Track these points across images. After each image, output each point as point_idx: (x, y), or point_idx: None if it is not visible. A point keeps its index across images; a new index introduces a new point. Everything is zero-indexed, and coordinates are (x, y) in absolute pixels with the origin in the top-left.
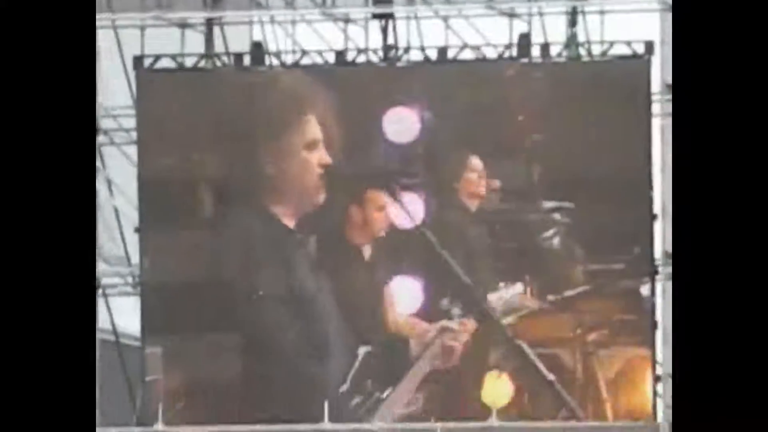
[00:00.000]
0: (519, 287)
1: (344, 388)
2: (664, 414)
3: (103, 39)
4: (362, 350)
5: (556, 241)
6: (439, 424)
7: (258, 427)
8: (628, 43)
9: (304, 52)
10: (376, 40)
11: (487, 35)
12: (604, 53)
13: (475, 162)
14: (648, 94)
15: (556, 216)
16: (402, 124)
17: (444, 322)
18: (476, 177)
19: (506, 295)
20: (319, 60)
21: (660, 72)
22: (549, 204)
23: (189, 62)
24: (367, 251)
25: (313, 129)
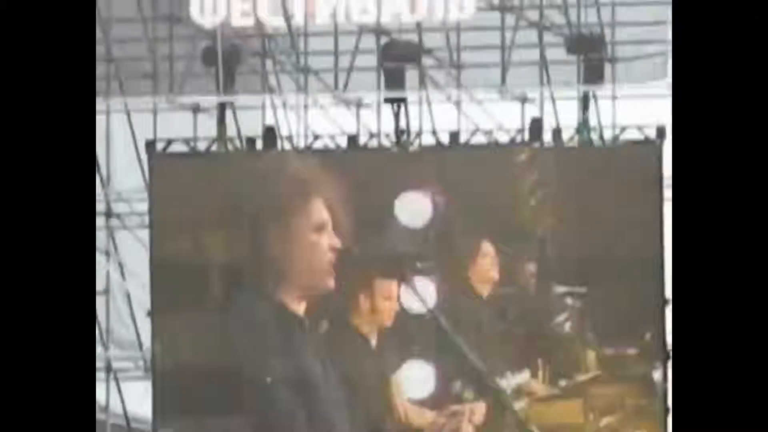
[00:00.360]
0: (526, 374)
1: None
2: None
3: (116, 123)
4: None
5: (567, 325)
6: None
7: None
8: (640, 128)
9: (317, 137)
10: (388, 124)
11: (500, 120)
12: (615, 138)
13: (487, 247)
14: (660, 177)
15: (568, 300)
16: (414, 207)
17: (455, 407)
18: (488, 262)
19: (515, 380)
20: (331, 144)
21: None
22: (561, 289)
23: (201, 146)
24: (374, 339)
25: (320, 212)
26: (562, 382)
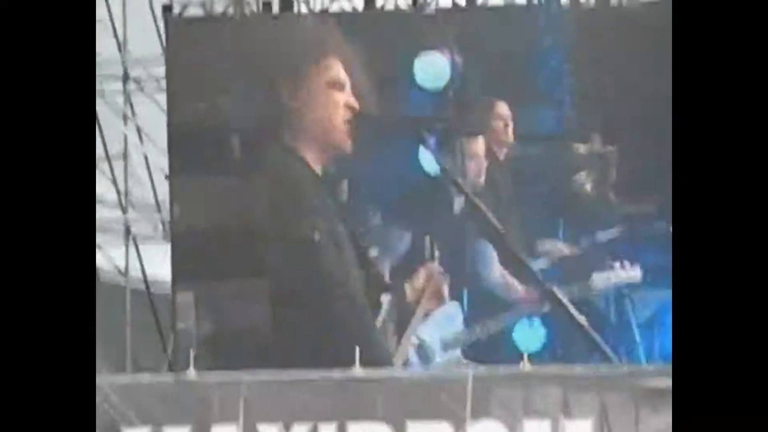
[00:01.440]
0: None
1: (373, 336)
2: None
3: None
4: (385, 298)
5: (588, 185)
6: (471, 370)
7: (289, 372)
8: None
9: None
10: None
11: None
12: None
13: (503, 108)
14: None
15: (587, 160)
16: (433, 68)
17: None
18: (502, 125)
19: (535, 240)
20: (347, 6)
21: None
22: (581, 148)
23: (218, 9)
24: None
25: (337, 70)
26: (584, 241)
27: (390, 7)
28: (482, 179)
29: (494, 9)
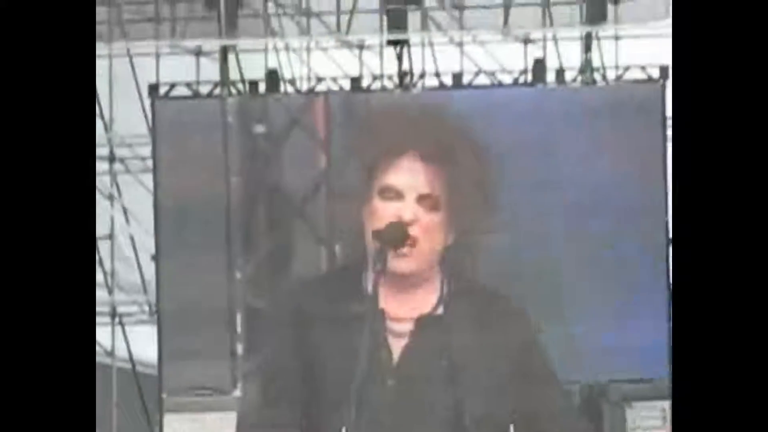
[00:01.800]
0: None
1: None
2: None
3: (118, 67)
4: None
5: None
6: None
7: None
8: (643, 68)
9: (320, 79)
10: (391, 67)
11: (502, 61)
12: (618, 78)
13: None
14: (663, 117)
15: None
16: None
17: None
18: None
19: None
20: (334, 86)
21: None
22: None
23: (204, 90)
24: None
25: None
26: None
27: (377, 86)
28: None
29: (480, 88)
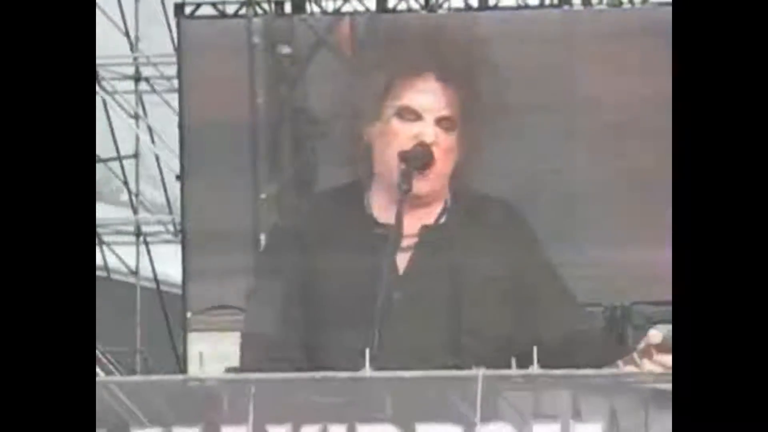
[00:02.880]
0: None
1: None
2: None
3: None
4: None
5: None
6: (481, 371)
7: (297, 374)
8: None
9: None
10: None
11: None
12: (644, 1)
13: None
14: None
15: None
16: None
17: None
18: None
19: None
20: (360, 6)
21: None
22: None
23: (230, 9)
24: None
25: None
26: None
27: (402, 7)
28: None
29: (506, 9)
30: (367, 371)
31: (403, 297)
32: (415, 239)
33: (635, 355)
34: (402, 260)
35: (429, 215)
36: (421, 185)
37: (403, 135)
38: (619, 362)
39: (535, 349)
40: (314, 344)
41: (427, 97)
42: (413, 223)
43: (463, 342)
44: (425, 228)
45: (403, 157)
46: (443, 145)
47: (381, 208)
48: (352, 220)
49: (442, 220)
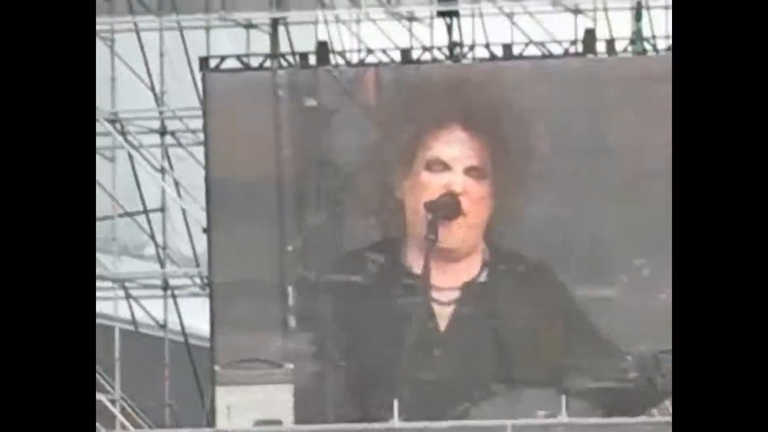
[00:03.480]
0: None
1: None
2: None
3: (169, 40)
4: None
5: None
6: (510, 422)
7: (326, 426)
8: None
9: (370, 51)
10: (441, 38)
11: (552, 32)
12: (669, 48)
13: None
14: None
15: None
16: None
17: None
18: None
19: None
20: (384, 58)
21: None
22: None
23: (254, 62)
24: None
25: None
26: None
27: (427, 58)
28: None
29: (530, 59)
30: (396, 422)
31: (443, 353)
32: (457, 294)
33: (668, 403)
34: (443, 315)
35: (469, 271)
36: (450, 237)
37: (432, 186)
38: (654, 411)
39: (563, 398)
40: (363, 398)
41: (455, 147)
42: (453, 278)
43: (518, 392)
44: (466, 285)
45: (430, 207)
46: (473, 194)
47: (415, 261)
48: (389, 273)
49: (483, 277)
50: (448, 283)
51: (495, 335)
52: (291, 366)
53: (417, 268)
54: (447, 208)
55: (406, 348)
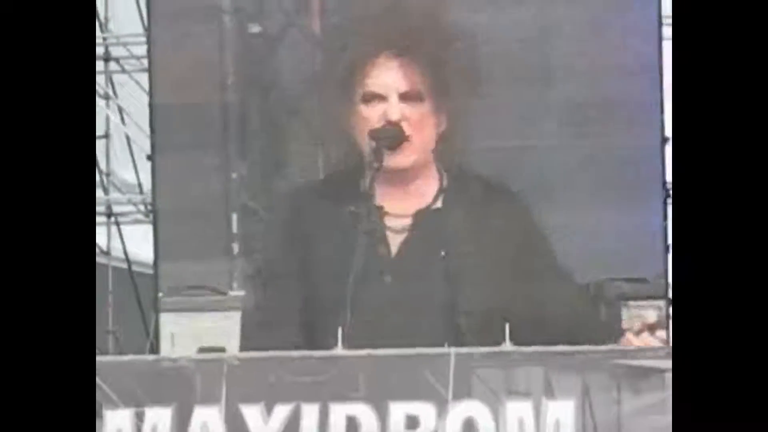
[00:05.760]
0: None
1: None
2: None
3: None
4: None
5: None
6: (453, 349)
7: (270, 353)
8: None
9: None
10: None
11: None
12: None
13: None
14: (659, 16)
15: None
16: None
17: None
18: None
19: None
20: None
21: None
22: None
23: None
24: None
25: None
26: None
27: None
28: None
29: None
30: (339, 350)
31: (394, 280)
32: (409, 221)
33: (630, 335)
34: (395, 242)
35: (424, 197)
36: (395, 159)
37: (372, 118)
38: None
39: (507, 326)
40: (311, 325)
41: (387, 75)
42: (407, 206)
43: (460, 323)
44: (419, 212)
45: (373, 135)
46: (413, 118)
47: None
48: (349, 202)
49: (438, 203)
50: (402, 211)
51: (444, 262)
52: (236, 293)
53: (376, 198)
54: (389, 136)
55: (353, 274)
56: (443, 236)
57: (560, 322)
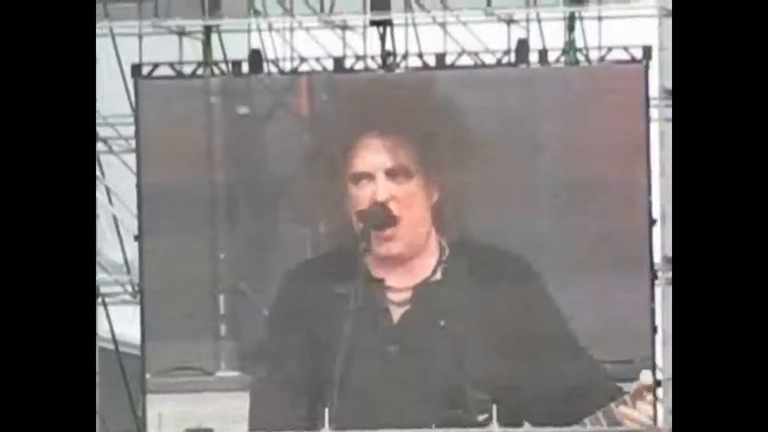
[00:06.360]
0: None
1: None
2: (664, 419)
3: (101, 47)
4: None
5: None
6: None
7: None
8: (626, 49)
9: (303, 59)
10: (374, 47)
11: (486, 41)
12: (602, 59)
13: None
14: (646, 98)
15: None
16: None
17: None
18: None
19: None
20: (317, 67)
21: (659, 77)
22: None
23: (187, 70)
24: None
25: None
26: None
27: (360, 66)
28: None
29: (463, 68)
30: (326, 431)
31: (398, 350)
32: (409, 294)
33: (627, 398)
34: (396, 314)
35: (423, 269)
36: (387, 247)
37: (361, 199)
38: (611, 405)
39: (494, 408)
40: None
41: (373, 154)
42: (407, 279)
43: (468, 394)
44: (418, 286)
45: (360, 216)
46: (401, 196)
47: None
48: (347, 279)
49: (437, 275)
50: (403, 284)
51: (442, 335)
52: (223, 374)
53: (376, 273)
54: (376, 218)
55: (341, 356)
56: (443, 306)
57: (572, 395)
